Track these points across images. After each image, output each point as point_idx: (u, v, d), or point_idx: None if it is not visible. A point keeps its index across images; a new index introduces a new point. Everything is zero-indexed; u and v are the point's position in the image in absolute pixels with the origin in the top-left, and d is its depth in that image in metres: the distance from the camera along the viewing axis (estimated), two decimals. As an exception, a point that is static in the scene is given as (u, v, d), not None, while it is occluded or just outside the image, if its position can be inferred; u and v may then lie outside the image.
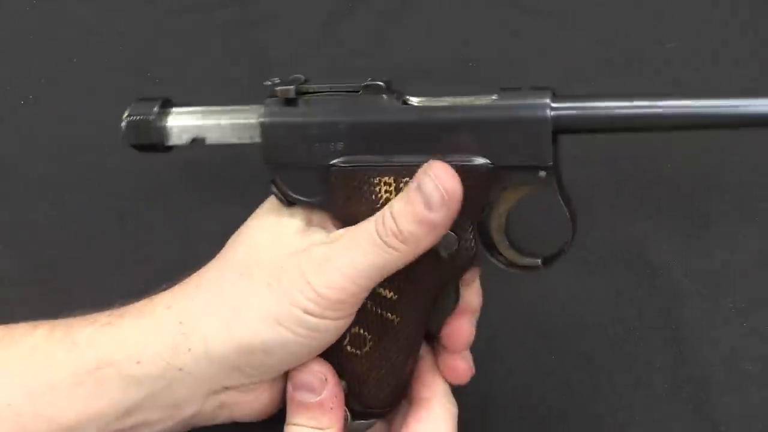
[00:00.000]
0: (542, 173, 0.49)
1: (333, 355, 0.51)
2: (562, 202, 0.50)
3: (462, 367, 0.54)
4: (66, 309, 0.59)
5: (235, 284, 0.50)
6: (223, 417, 0.52)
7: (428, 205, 0.47)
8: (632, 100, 0.48)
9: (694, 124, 0.49)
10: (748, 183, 0.64)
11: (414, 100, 0.51)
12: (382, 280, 0.49)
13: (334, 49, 0.66)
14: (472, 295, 0.54)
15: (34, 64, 0.65)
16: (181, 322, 0.49)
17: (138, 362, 0.48)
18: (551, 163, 0.48)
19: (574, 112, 0.48)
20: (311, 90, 0.51)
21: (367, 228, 0.49)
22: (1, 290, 0.64)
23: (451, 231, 0.49)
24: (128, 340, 0.49)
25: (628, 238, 0.63)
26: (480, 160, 0.49)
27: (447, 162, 0.48)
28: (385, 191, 0.50)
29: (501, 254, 0.52)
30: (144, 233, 0.63)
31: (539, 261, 0.52)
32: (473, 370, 0.54)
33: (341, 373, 0.52)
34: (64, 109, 0.64)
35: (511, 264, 0.52)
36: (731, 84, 0.64)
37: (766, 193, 0.64)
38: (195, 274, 0.52)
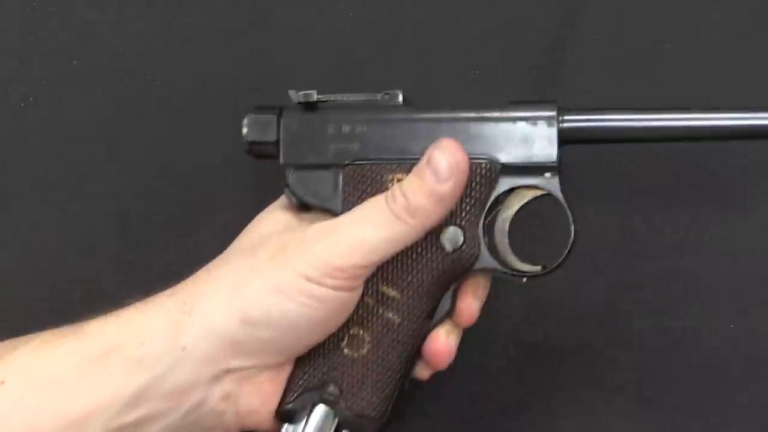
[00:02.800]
0: (547, 174, 0.51)
1: (330, 357, 0.51)
2: (565, 204, 0.52)
3: (441, 346, 0.53)
4: (66, 309, 0.59)
5: (238, 263, 0.50)
6: (230, 413, 0.51)
7: (437, 176, 0.49)
8: (633, 114, 0.52)
9: (693, 137, 0.52)
10: (743, 182, 0.64)
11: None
12: (388, 256, 0.49)
13: (336, 53, 0.66)
14: (466, 309, 0.54)
15: (34, 65, 0.65)
16: (184, 302, 0.49)
17: (141, 343, 0.48)
18: (556, 164, 0.51)
19: (579, 124, 0.52)
20: (331, 98, 0.53)
21: (376, 202, 0.50)
22: (1, 291, 0.64)
23: (458, 226, 0.51)
24: (132, 324, 0.49)
25: (621, 237, 0.63)
26: (490, 157, 0.51)
27: None
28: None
29: (502, 258, 0.53)
30: (144, 234, 0.63)
31: (539, 268, 0.53)
32: (453, 353, 0.54)
33: (337, 377, 0.52)
34: (64, 110, 0.64)
35: (512, 269, 0.53)
36: (730, 85, 0.64)
37: (760, 192, 0.64)
38: (204, 267, 0.52)
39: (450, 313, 0.53)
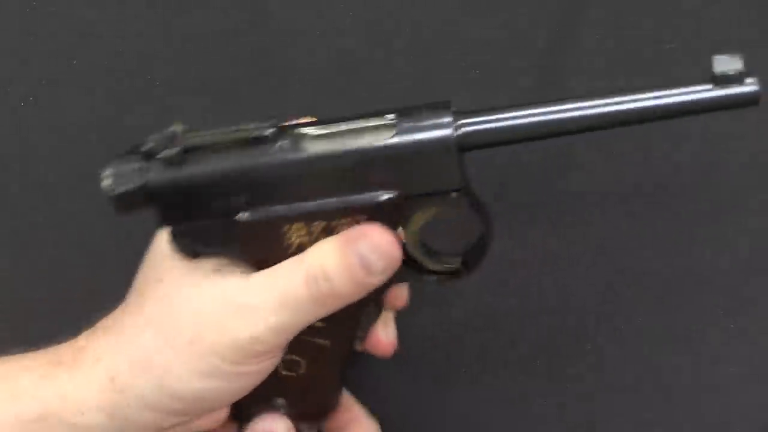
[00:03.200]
0: (453, 194, 0.47)
1: (269, 378, 0.52)
2: (476, 215, 0.49)
3: (382, 339, 0.54)
4: (66, 309, 0.59)
5: (157, 343, 0.49)
6: None
7: (368, 271, 0.47)
8: (532, 108, 0.47)
9: (598, 125, 0.48)
10: (738, 182, 0.64)
11: (308, 133, 0.48)
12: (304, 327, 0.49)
13: (336, 53, 0.66)
14: (393, 299, 0.54)
15: (34, 65, 0.65)
16: (112, 379, 0.49)
17: (82, 413, 0.49)
18: (461, 186, 0.47)
19: (476, 127, 0.47)
20: (197, 143, 0.47)
21: (294, 283, 0.47)
22: (1, 291, 0.64)
23: None
24: (68, 394, 0.49)
25: (615, 238, 0.63)
26: (388, 194, 0.47)
27: (360, 204, 0.47)
28: (297, 236, 0.48)
29: (422, 267, 0.51)
30: (144, 235, 0.63)
31: (459, 261, 0.51)
32: (396, 343, 0.54)
33: (279, 393, 0.53)
34: (64, 110, 0.64)
35: (433, 272, 0.51)
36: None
37: (755, 192, 0.64)
38: (112, 317, 0.51)
39: (379, 313, 0.53)
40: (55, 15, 0.65)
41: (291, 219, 0.47)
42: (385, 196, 0.47)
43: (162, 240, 0.52)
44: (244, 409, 0.54)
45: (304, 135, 0.48)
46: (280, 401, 0.54)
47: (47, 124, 0.64)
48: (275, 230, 0.48)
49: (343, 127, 0.47)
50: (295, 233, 0.48)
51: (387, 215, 0.47)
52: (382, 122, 0.47)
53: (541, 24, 0.66)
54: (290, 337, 0.49)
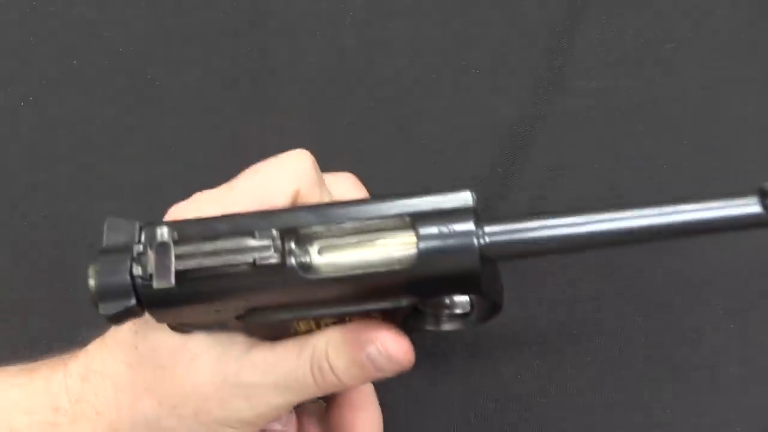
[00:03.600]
0: (465, 299, 0.45)
1: None
2: (489, 299, 0.44)
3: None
4: (66, 309, 0.59)
5: (161, 412, 0.47)
6: None
7: (378, 370, 0.45)
8: (565, 217, 0.41)
9: (640, 240, 0.42)
10: (738, 183, 0.64)
11: (318, 261, 0.42)
12: None
13: (336, 53, 0.66)
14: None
15: (33, 65, 0.65)
16: (109, 425, 0.48)
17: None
18: (480, 293, 0.42)
19: (504, 240, 0.41)
20: (191, 267, 0.41)
21: (300, 373, 0.46)
22: (1, 291, 0.64)
23: None
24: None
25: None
26: (405, 301, 0.43)
27: (368, 307, 0.43)
28: (305, 326, 0.46)
29: (430, 326, 0.47)
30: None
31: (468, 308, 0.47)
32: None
33: None
34: (64, 110, 0.64)
35: (443, 322, 0.47)
36: (730, 84, 0.64)
37: (755, 193, 0.64)
38: (101, 360, 0.48)
39: None
40: (55, 15, 0.65)
41: (298, 319, 0.45)
42: (402, 302, 0.43)
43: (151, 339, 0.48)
44: None
45: (311, 253, 0.42)
46: None
47: (47, 124, 0.64)
48: (280, 323, 0.45)
49: (354, 239, 0.42)
50: (303, 324, 0.46)
51: (401, 312, 0.44)
52: (399, 230, 0.42)
53: (541, 24, 0.66)
54: (294, 406, 0.49)
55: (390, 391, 0.62)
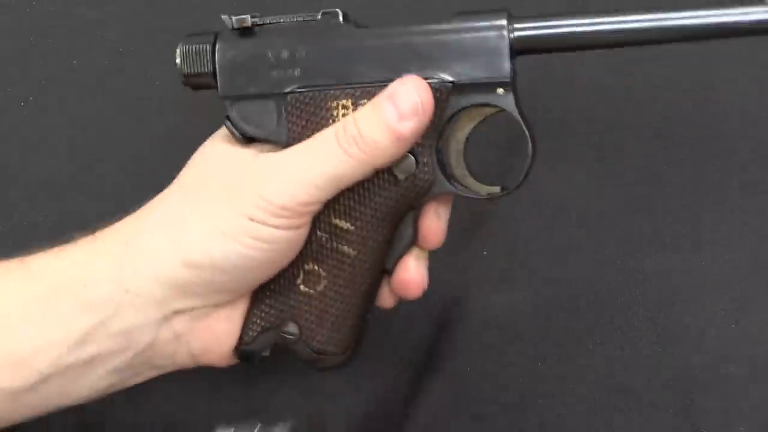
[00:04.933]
0: (500, 90, 0.48)
1: (286, 295, 0.50)
2: (521, 119, 0.49)
3: (413, 276, 0.52)
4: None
5: (180, 202, 0.49)
6: (183, 353, 0.50)
7: (398, 113, 0.47)
8: (588, 18, 0.48)
9: (651, 39, 0.48)
10: (738, 183, 0.64)
11: (369, 26, 0.50)
12: (335, 192, 0.48)
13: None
14: (431, 231, 0.52)
15: (33, 65, 0.65)
16: (126, 243, 0.48)
17: (85, 285, 0.48)
18: (509, 79, 0.48)
19: (531, 32, 0.48)
20: (267, 21, 0.50)
21: (325, 134, 0.48)
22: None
23: (410, 153, 0.48)
24: (77, 264, 0.48)
25: (614, 238, 0.63)
26: (440, 78, 0.48)
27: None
28: (343, 114, 0.49)
29: (459, 182, 0.51)
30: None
31: (498, 189, 0.51)
32: (426, 282, 0.52)
33: (295, 315, 0.51)
34: (64, 110, 0.64)
35: (471, 190, 0.51)
36: (730, 82, 0.64)
37: (756, 192, 0.64)
38: (147, 203, 0.51)
39: (414, 240, 0.51)
40: (55, 15, 0.65)
41: (338, 96, 0.49)
42: (436, 78, 0.48)
43: (206, 146, 0.52)
44: (251, 336, 0.51)
45: (366, 27, 0.50)
46: (292, 327, 0.51)
47: (47, 124, 0.64)
48: (322, 106, 0.49)
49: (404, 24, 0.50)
50: (342, 111, 0.49)
51: (436, 100, 0.48)
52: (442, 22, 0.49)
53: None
54: (313, 195, 0.47)
55: (392, 392, 0.62)
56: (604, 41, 0.49)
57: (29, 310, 0.47)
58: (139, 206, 0.61)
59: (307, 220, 0.48)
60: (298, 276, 0.50)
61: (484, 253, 0.63)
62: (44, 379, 0.47)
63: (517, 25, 0.48)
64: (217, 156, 0.50)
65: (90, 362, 0.48)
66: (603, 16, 0.48)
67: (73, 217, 0.64)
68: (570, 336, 0.62)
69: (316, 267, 0.50)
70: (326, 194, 0.47)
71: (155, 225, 0.49)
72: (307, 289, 0.50)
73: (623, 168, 0.63)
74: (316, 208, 0.48)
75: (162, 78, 0.65)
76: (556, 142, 0.63)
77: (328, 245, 0.50)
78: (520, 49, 0.48)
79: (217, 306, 0.50)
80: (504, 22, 0.48)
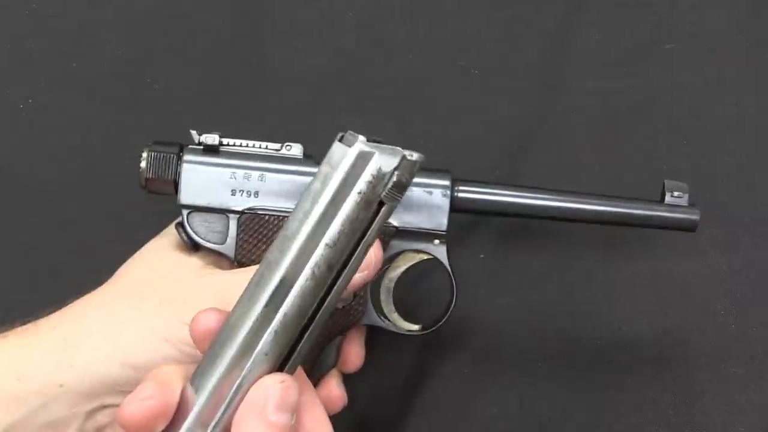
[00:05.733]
0: (436, 241, 0.54)
1: None
2: (450, 270, 0.54)
3: (336, 394, 0.54)
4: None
5: (123, 304, 0.50)
6: None
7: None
8: (519, 191, 0.55)
9: (570, 219, 0.55)
10: (738, 185, 0.64)
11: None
12: None
13: (336, 53, 0.66)
14: (353, 355, 0.56)
15: (33, 67, 0.65)
16: (65, 339, 0.49)
17: (18, 379, 0.48)
18: (446, 231, 0.54)
19: (471, 195, 0.54)
20: (232, 143, 0.54)
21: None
22: (1, 291, 0.64)
23: None
24: (10, 357, 0.49)
25: (610, 240, 0.63)
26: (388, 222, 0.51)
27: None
28: None
29: (386, 317, 0.55)
30: (142, 236, 0.63)
31: (418, 327, 0.56)
32: (346, 399, 0.55)
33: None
34: (63, 112, 0.64)
35: (394, 325, 0.55)
36: (729, 84, 0.64)
37: (756, 196, 0.64)
38: (82, 297, 0.52)
39: (335, 363, 0.55)
40: (55, 16, 0.65)
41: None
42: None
43: (149, 250, 0.54)
44: None
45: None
46: None
47: (47, 124, 0.64)
48: (277, 225, 0.52)
49: None
50: None
51: (381, 241, 0.52)
52: None
53: (541, 24, 0.66)
54: None
55: (395, 394, 0.63)
56: (529, 213, 0.55)
57: None
58: (137, 209, 0.62)
59: None
60: None
61: (481, 256, 0.63)
62: None
63: (459, 188, 0.54)
64: (163, 262, 0.53)
65: None
66: (532, 192, 0.55)
67: (72, 221, 0.64)
68: (569, 336, 0.62)
69: None
70: None
71: (95, 324, 0.50)
72: None
73: (620, 172, 0.63)
74: None
75: (161, 79, 0.65)
76: (555, 142, 0.63)
77: None
78: (459, 208, 0.54)
79: None
80: (448, 182, 0.54)
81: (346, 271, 0.42)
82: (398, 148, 0.41)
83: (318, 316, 0.42)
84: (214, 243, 0.53)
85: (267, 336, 0.41)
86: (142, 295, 0.50)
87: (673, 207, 0.56)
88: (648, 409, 0.61)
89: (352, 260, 0.42)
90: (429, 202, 0.53)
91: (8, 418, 0.48)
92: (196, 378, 0.42)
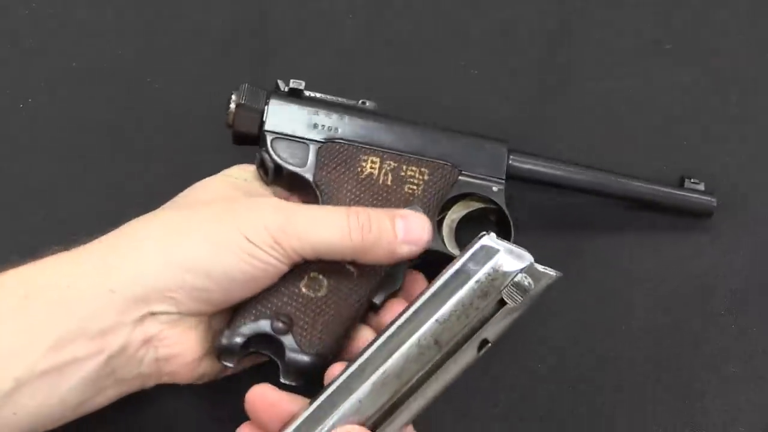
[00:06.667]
0: (495, 188, 0.58)
1: (287, 293, 0.53)
2: (508, 214, 0.58)
3: None
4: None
5: (180, 216, 0.51)
6: (149, 360, 0.50)
7: (404, 233, 0.52)
8: (568, 166, 0.59)
9: (599, 193, 0.60)
10: (739, 185, 0.64)
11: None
12: (322, 258, 0.51)
13: (336, 53, 0.66)
14: (415, 284, 0.57)
15: (33, 67, 0.65)
16: (114, 246, 0.49)
17: (68, 286, 0.48)
18: (504, 179, 0.58)
19: (522, 164, 0.59)
20: (315, 94, 0.58)
21: (339, 209, 0.52)
22: None
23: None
24: (59, 267, 0.49)
25: (616, 239, 0.63)
26: (452, 163, 0.58)
27: (427, 159, 0.57)
28: (370, 167, 0.57)
29: (448, 252, 0.57)
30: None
31: None
32: None
33: (291, 312, 0.53)
34: (63, 112, 0.64)
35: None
36: (729, 85, 0.64)
37: (756, 196, 0.64)
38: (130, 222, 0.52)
39: (399, 287, 0.56)
40: (55, 17, 0.66)
41: (369, 153, 0.57)
42: (449, 162, 0.58)
43: (206, 180, 0.55)
44: (241, 322, 0.52)
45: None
46: (280, 325, 0.53)
47: (47, 124, 0.64)
48: (354, 157, 0.57)
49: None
50: (370, 164, 0.57)
51: (441, 179, 0.57)
52: None
53: (541, 24, 0.66)
54: (307, 250, 0.51)
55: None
56: (573, 186, 0.60)
57: (6, 313, 0.47)
58: (136, 210, 0.62)
59: (293, 263, 0.51)
60: (302, 279, 0.53)
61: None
62: (18, 388, 0.47)
63: (512, 154, 0.59)
64: (221, 185, 0.55)
65: (63, 369, 0.48)
66: (575, 167, 0.59)
67: (73, 218, 0.64)
68: (569, 336, 0.62)
69: (320, 276, 0.54)
70: (316, 255, 0.51)
71: (146, 231, 0.50)
72: (308, 292, 0.53)
73: (621, 166, 0.63)
74: (303, 260, 0.51)
75: (161, 79, 0.65)
76: (555, 142, 0.63)
77: (335, 262, 0.53)
78: (511, 173, 0.59)
79: (191, 315, 0.51)
80: (505, 148, 0.59)
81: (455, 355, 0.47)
82: (529, 255, 0.48)
83: (419, 390, 0.47)
84: (296, 166, 0.56)
85: (364, 386, 0.47)
86: (196, 208, 0.51)
87: (692, 191, 0.61)
88: (648, 409, 0.61)
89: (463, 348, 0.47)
90: (490, 152, 0.58)
91: (58, 328, 0.47)
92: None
